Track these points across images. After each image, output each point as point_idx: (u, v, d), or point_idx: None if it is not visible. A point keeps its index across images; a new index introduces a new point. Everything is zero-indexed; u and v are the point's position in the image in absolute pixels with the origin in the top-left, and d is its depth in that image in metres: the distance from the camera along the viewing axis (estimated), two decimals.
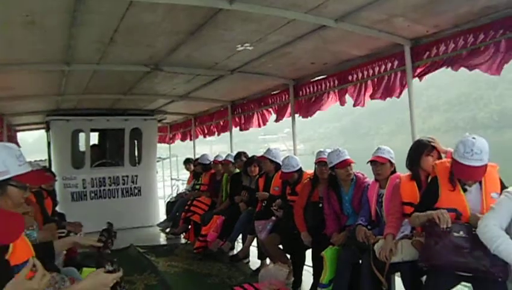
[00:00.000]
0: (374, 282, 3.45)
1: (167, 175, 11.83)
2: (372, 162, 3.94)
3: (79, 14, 3.46)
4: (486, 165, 2.96)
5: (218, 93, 7.38)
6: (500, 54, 3.58)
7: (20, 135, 10.79)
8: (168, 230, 8.10)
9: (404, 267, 3.32)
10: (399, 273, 3.46)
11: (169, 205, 8.71)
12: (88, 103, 8.22)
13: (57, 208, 6.34)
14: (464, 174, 3.02)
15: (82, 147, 9.29)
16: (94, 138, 9.76)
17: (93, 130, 9.23)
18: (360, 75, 4.98)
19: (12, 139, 9.40)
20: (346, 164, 4.27)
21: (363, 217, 3.98)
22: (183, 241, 7.54)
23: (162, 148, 12.09)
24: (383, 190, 3.88)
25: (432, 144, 3.57)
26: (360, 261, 3.68)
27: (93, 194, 8.80)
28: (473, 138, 2.99)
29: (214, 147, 28.63)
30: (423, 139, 3.65)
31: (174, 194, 10.50)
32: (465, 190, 3.10)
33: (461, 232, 2.89)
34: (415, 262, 3.13)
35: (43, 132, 9.72)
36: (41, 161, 10.99)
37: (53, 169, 8.55)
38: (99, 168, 9.05)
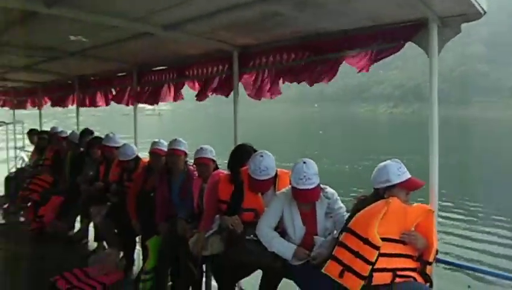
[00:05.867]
0: (191, 273, 3.91)
1: (11, 146, 10.88)
2: (197, 164, 4.24)
3: None
4: (271, 178, 3.57)
5: (63, 69, 7.08)
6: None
7: None
8: (5, 207, 7.70)
9: (213, 259, 3.75)
10: None
11: (8, 180, 8.22)
12: None
13: None
14: (254, 187, 3.60)
15: None
16: None
17: None
18: (195, 72, 5.23)
19: None
20: (173, 152, 4.51)
21: (184, 211, 4.31)
22: (21, 219, 7.22)
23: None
24: (205, 185, 4.17)
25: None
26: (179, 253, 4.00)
27: None
28: (261, 156, 3.53)
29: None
30: (246, 145, 4.03)
31: (19, 166, 9.85)
32: (263, 193, 3.66)
33: (252, 235, 3.44)
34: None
35: None
36: None
37: None
38: None
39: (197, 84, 5.29)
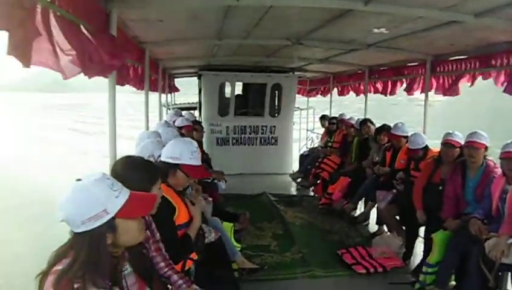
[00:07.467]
0: (481, 277, 3.50)
1: (303, 128, 12.35)
2: (504, 158, 3.71)
3: (230, 10, 4.13)
4: None
5: (356, 60, 7.53)
6: None
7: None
8: (299, 180, 8.82)
9: None
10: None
11: (302, 158, 9.41)
12: (235, 61, 9.05)
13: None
14: None
15: (228, 96, 10.13)
16: (239, 89, 10.58)
17: (238, 81, 10.07)
18: (505, 61, 4.71)
19: (171, 83, 10.82)
20: (472, 144, 4.14)
21: (481, 210, 3.87)
22: (311, 194, 8.18)
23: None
24: (510, 187, 3.68)
25: None
26: (470, 253, 3.69)
27: (234, 141, 9.76)
28: None
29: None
30: None
31: (309, 146, 11.11)
32: None
33: None
34: None
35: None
36: (193, 103, 12.46)
37: (202, 114, 9.82)
38: (242, 117, 9.90)
39: (504, 75, 4.78)
